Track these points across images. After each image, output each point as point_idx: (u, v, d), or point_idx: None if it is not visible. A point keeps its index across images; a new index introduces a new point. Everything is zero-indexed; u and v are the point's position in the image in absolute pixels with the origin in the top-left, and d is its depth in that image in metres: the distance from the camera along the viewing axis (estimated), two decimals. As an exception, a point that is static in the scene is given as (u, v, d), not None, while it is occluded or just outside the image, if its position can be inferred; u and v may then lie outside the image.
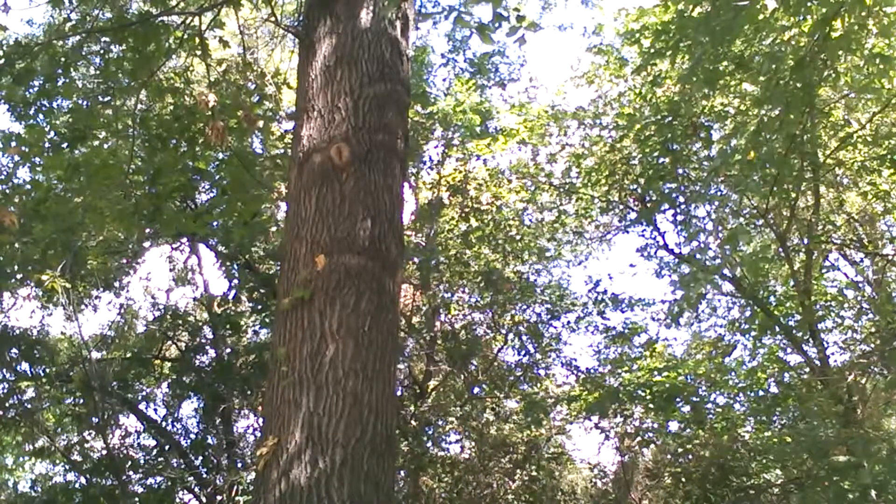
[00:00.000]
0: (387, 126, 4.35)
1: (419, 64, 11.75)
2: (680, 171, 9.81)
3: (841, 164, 9.83)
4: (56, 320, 21.22)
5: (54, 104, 6.85)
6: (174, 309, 12.31)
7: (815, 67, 6.15)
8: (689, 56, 7.34)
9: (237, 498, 10.00)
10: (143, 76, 6.22)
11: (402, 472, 10.12)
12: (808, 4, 5.71)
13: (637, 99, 10.05)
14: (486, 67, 12.18)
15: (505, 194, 11.27)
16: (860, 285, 11.34)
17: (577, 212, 11.75)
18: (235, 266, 11.12)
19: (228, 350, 11.61)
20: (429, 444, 10.61)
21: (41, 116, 6.87)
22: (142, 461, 11.20)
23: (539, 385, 11.25)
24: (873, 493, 7.02)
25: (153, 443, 11.63)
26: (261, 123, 7.28)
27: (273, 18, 6.05)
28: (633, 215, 11.10)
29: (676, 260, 10.86)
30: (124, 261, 12.07)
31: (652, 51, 7.90)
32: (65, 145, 6.67)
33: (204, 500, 11.00)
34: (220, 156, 7.47)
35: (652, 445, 11.08)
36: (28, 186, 7.28)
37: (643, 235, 11.09)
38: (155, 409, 12.08)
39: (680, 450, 10.33)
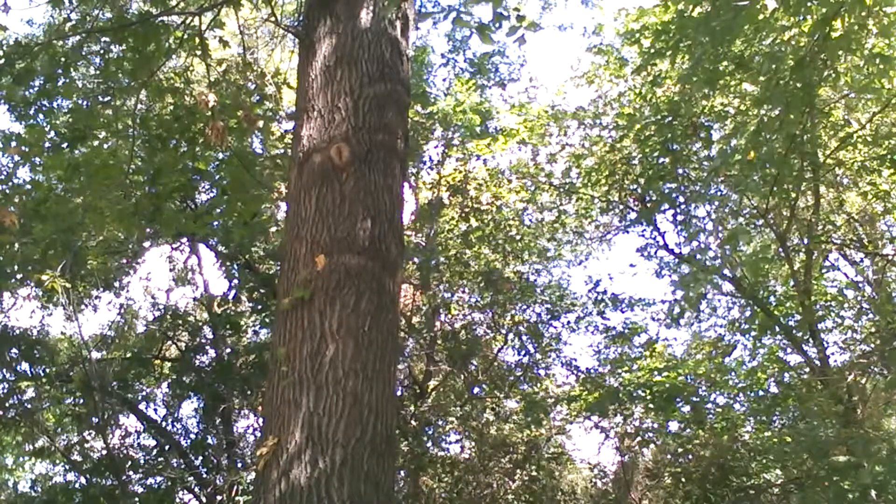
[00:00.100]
0: (387, 126, 4.35)
1: (419, 64, 11.75)
2: (680, 171, 9.81)
3: (841, 164, 9.83)
4: (56, 320, 21.26)
5: (54, 104, 6.86)
6: (174, 309, 12.31)
7: (815, 67, 6.15)
8: (689, 56, 7.34)
9: (237, 498, 10.00)
10: (143, 76, 6.21)
11: (402, 472, 10.12)
12: (808, 4, 5.71)
13: (637, 99, 10.05)
14: (486, 67, 12.18)
15: (505, 194, 11.27)
16: (860, 285, 11.34)
17: (577, 212, 11.75)
18: (235, 266, 11.12)
19: (228, 350, 11.61)
20: (429, 444, 10.61)
21: (41, 116, 6.87)
22: (142, 461, 11.20)
23: (539, 385, 11.25)
24: (873, 493, 7.02)
25: (153, 443, 11.64)
26: (261, 123, 7.27)
27: (273, 18, 6.05)
28: (633, 215, 11.10)
29: (676, 260, 10.87)
30: (124, 261, 12.07)
31: (652, 51, 7.90)
32: (65, 145, 6.67)
33: (204, 500, 10.99)
34: (220, 156, 7.47)
35: (652, 445, 11.09)
36: (28, 186, 7.28)
37: (643, 235, 11.11)
38: (155, 409, 12.09)
39: (680, 450, 10.33)
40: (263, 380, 8.65)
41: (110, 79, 6.71)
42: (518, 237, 11.41)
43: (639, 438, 10.75)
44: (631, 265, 17.37)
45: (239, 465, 10.82)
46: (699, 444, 10.05)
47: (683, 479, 10.22)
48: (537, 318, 11.37)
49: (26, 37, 9.56)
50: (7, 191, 7.34)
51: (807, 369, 9.81)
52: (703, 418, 9.83)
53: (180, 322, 11.95)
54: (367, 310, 3.83)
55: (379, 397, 3.70)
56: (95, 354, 11.92)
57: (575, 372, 11.48)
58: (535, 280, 11.94)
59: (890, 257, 11.32)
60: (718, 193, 9.82)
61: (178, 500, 11.06)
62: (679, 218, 10.25)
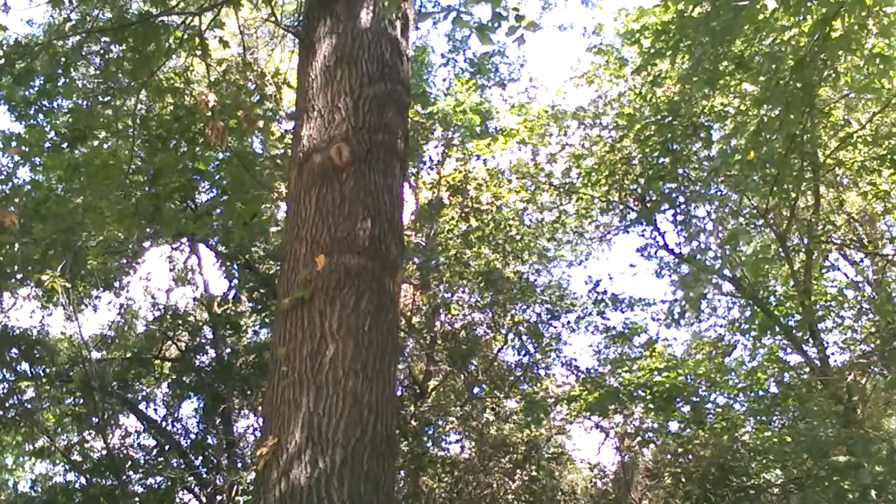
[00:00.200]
0: (387, 126, 4.35)
1: (419, 64, 11.76)
2: (680, 171, 9.81)
3: (841, 164, 9.83)
4: (56, 320, 21.27)
5: (54, 104, 6.86)
6: (174, 309, 12.31)
7: (815, 67, 6.15)
8: (689, 56, 7.34)
9: (237, 498, 10.00)
10: (143, 76, 6.21)
11: (402, 472, 10.12)
12: (808, 4, 5.71)
13: (637, 99, 10.05)
14: (486, 67, 12.19)
15: (505, 194, 11.27)
16: (860, 285, 11.34)
17: (577, 212, 11.75)
18: (235, 266, 11.13)
19: (228, 350, 11.61)
20: (429, 444, 10.61)
21: (41, 116, 6.88)
22: (142, 461, 11.20)
23: (539, 385, 11.25)
24: (873, 493, 7.02)
25: (153, 443, 11.64)
26: (261, 123, 7.27)
27: (273, 18, 6.04)
28: (633, 215, 11.10)
29: (676, 260, 10.87)
30: (124, 261, 12.08)
31: (652, 51, 7.89)
32: (65, 145, 6.67)
33: (204, 500, 11.00)
34: (220, 156, 7.47)
35: (652, 445, 11.09)
36: (28, 186, 7.27)
37: (643, 235, 11.11)
38: (155, 409, 12.09)
39: (680, 450, 10.33)
40: (263, 380, 8.66)
41: (110, 79, 6.71)
42: (518, 237, 11.41)
43: (639, 438, 10.75)
44: (631, 265, 17.42)
45: (239, 465, 10.82)
46: (699, 444, 10.05)
47: (683, 479, 10.22)
48: (537, 318, 11.38)
49: (26, 37, 9.56)
50: (7, 191, 7.34)
51: (807, 369, 9.81)
52: (703, 418, 9.83)
53: (180, 322, 11.95)
54: (367, 310, 3.83)
55: (379, 397, 3.70)
56: (95, 354, 11.92)
57: (575, 372, 11.49)
58: (535, 280, 11.95)
59: (890, 257, 11.32)
60: (718, 193, 9.82)
61: (178, 500, 11.06)
62: (679, 218, 10.25)
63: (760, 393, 9.88)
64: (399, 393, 10.44)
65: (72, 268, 8.58)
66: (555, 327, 11.50)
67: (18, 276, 8.80)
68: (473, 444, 10.66)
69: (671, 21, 7.66)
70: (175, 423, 11.79)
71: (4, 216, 5.97)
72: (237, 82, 7.20)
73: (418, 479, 10.61)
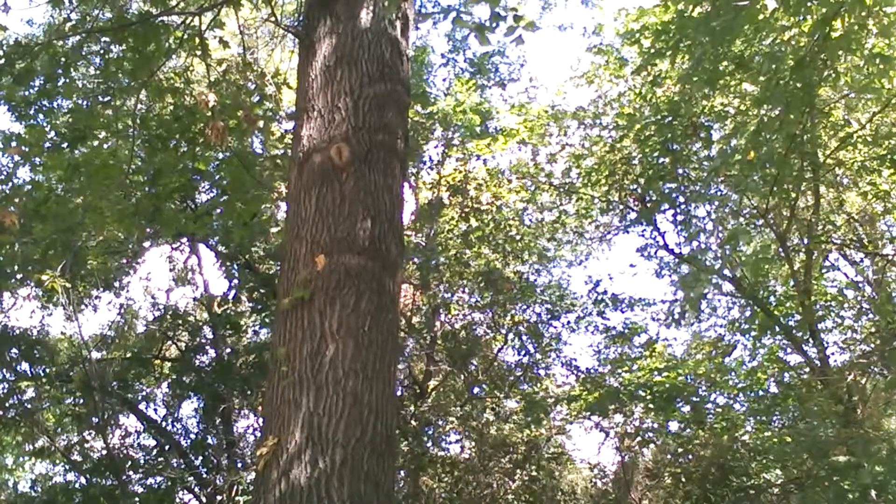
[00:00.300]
0: (387, 126, 4.35)
1: (419, 64, 11.76)
2: (680, 171, 9.81)
3: (841, 164, 9.83)
4: (56, 320, 21.27)
5: (54, 104, 6.86)
6: (174, 309, 12.31)
7: (815, 67, 6.15)
8: (689, 56, 7.34)
9: (237, 498, 10.00)
10: (143, 76, 6.21)
11: (402, 472, 10.12)
12: (808, 4, 5.71)
13: (637, 99, 10.05)
14: (486, 67, 12.19)
15: (505, 194, 11.27)
16: (860, 285, 11.34)
17: (577, 212, 11.75)
18: (235, 266, 11.13)
19: (228, 350, 11.61)
20: (429, 444, 10.61)
21: (41, 116, 6.88)
22: (142, 461, 11.20)
23: (539, 385, 11.25)
24: (873, 493, 7.02)
25: (153, 443, 11.64)
26: (261, 123, 7.27)
27: (273, 18, 6.05)
28: (633, 215, 11.10)
29: (676, 260, 10.87)
30: (124, 261, 12.08)
31: (652, 51, 7.89)
32: (65, 145, 6.67)
33: (204, 500, 11.00)
34: (220, 156, 7.47)
35: (652, 445, 11.08)
36: (28, 186, 7.27)
37: (643, 235, 11.11)
38: (155, 409, 12.10)
39: (680, 450, 10.33)
40: (263, 380, 8.66)
41: (110, 79, 6.71)
42: (518, 237, 11.41)
43: (639, 438, 10.75)
44: (631, 265, 17.43)
45: (239, 465, 10.82)
46: (699, 444, 10.05)
47: (683, 479, 10.22)
48: (537, 318, 11.38)
49: (26, 37, 9.56)
50: (7, 191, 7.34)
51: (807, 369, 9.81)
52: (703, 418, 9.83)
53: (180, 322, 11.95)
54: (367, 310, 3.83)
55: (379, 397, 3.70)
56: (95, 354, 11.92)
57: (575, 372, 11.49)
58: (535, 280, 11.95)
59: (890, 257, 11.32)
60: (718, 193, 9.82)
61: (178, 500, 11.06)
62: (679, 218, 10.25)
63: (760, 393, 9.88)
64: (399, 393, 10.44)
65: (72, 268, 8.58)
66: (555, 327, 11.52)
67: (18, 276, 8.80)
68: (473, 444, 10.66)
69: (671, 21, 7.65)
70: (175, 423, 11.80)
71: (4, 216, 5.97)
72: (237, 82, 7.20)
73: (418, 479, 10.61)
